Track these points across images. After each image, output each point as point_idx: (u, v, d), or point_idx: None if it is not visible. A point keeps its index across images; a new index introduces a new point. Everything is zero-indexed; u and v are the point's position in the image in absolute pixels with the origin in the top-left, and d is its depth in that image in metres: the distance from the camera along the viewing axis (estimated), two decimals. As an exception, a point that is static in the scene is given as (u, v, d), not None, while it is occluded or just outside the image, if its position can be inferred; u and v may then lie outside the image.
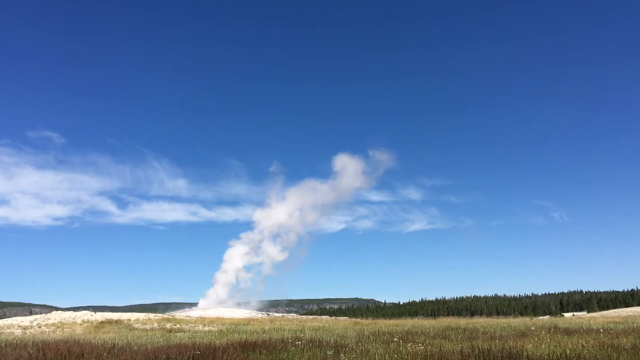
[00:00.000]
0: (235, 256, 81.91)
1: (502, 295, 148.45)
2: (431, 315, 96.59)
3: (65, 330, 27.77)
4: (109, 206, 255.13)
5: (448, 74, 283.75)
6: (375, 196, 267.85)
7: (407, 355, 12.33)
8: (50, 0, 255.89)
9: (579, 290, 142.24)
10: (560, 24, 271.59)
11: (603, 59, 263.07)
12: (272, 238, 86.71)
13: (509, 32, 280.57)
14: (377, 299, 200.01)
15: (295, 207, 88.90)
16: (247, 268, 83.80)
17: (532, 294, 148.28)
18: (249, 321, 35.58)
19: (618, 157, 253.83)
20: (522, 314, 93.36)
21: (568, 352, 12.24)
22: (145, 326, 29.37)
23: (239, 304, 77.14)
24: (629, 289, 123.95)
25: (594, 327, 22.20)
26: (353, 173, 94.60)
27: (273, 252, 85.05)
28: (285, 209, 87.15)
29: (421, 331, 21.68)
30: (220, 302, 76.18)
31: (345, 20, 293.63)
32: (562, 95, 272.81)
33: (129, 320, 32.47)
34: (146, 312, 49.68)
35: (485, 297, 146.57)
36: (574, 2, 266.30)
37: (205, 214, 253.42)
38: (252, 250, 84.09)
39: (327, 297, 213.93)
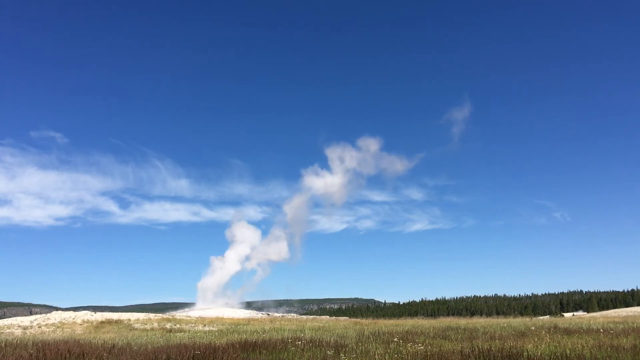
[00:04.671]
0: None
1: (502, 295, 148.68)
2: (431, 315, 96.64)
3: (65, 330, 27.77)
4: (111, 206, 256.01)
5: (449, 75, 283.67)
6: (378, 196, 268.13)
7: (407, 355, 12.33)
8: (53, 0, 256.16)
9: (579, 290, 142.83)
10: (562, 23, 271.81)
11: (605, 59, 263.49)
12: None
13: (509, 32, 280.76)
14: (377, 299, 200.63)
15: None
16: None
17: (532, 294, 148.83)
18: (249, 321, 35.58)
19: (620, 158, 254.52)
20: (522, 314, 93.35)
21: (568, 352, 12.23)
22: (145, 326, 29.36)
23: (241, 304, 77.81)
24: (629, 289, 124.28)
25: (594, 327, 22.18)
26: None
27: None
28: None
29: (421, 331, 21.66)
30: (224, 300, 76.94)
31: (346, 21, 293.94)
32: (563, 95, 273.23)
33: (129, 320, 32.46)
34: (146, 312, 49.67)
35: (485, 297, 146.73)
36: (575, 2, 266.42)
37: (207, 214, 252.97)
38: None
39: (327, 297, 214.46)
